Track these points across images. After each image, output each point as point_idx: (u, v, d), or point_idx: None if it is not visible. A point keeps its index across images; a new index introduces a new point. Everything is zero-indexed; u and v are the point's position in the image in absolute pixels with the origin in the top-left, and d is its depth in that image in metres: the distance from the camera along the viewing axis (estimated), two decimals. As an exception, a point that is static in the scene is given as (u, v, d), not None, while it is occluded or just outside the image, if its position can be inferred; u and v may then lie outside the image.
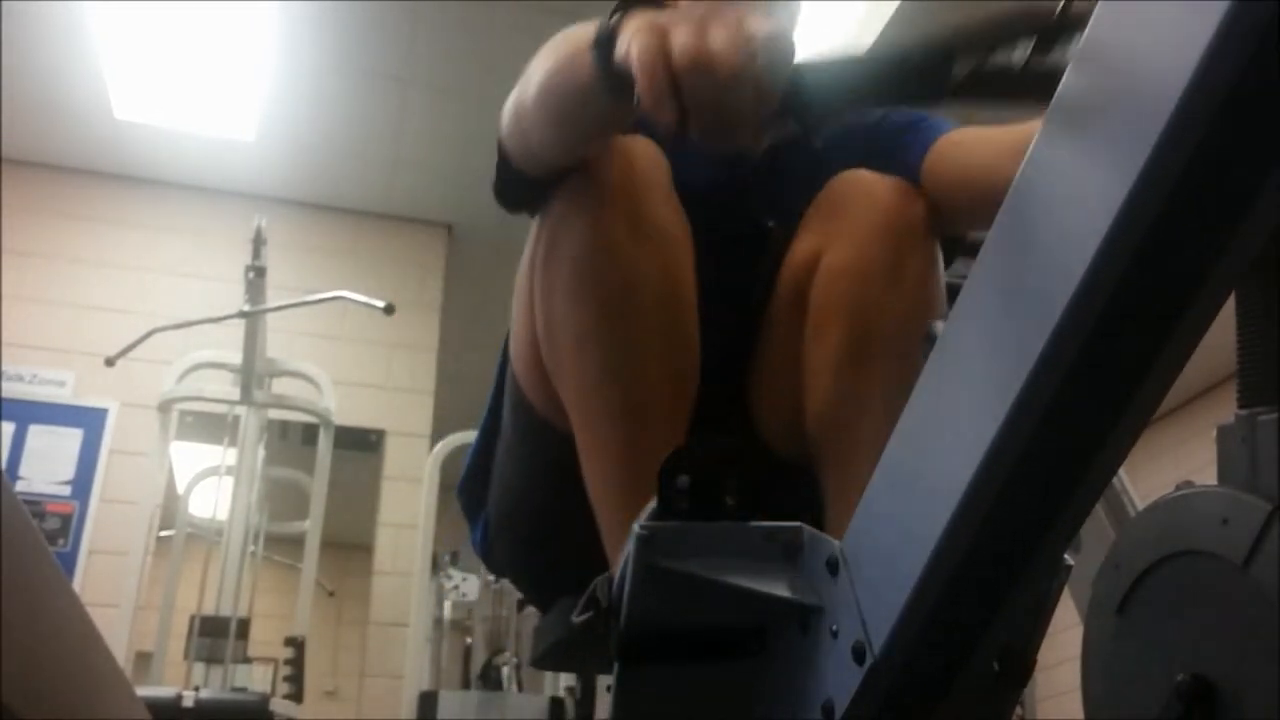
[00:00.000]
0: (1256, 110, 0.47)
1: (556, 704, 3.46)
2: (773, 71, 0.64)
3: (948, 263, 1.08)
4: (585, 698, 3.37)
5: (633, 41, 0.69)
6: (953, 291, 0.97)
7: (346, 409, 3.75)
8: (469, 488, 1.20)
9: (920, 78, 0.59)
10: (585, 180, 0.94)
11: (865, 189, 1.05)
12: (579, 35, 0.80)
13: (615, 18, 0.74)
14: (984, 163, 1.02)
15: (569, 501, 0.96)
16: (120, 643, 2.94)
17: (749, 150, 0.89)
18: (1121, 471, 1.37)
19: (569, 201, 0.95)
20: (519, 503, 1.11)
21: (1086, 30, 0.54)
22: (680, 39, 0.66)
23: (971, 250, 1.12)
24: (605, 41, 0.75)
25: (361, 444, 4.06)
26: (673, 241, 0.95)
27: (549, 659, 1.07)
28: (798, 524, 0.73)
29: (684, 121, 0.67)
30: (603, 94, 0.77)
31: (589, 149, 0.93)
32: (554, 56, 0.85)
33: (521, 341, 1.04)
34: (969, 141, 1.08)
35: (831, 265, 1.04)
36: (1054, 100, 0.56)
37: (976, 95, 0.59)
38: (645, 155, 0.96)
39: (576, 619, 0.79)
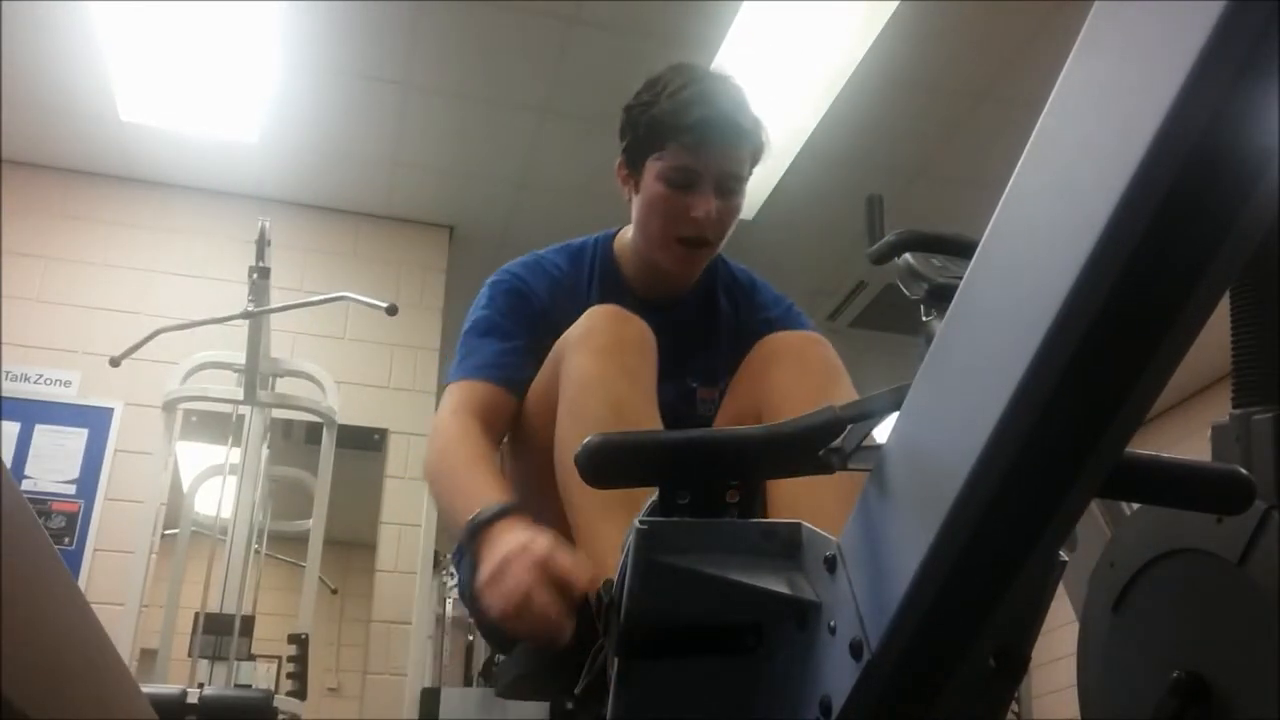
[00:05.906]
0: (1252, 110, 0.48)
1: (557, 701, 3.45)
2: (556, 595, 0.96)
3: None
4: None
5: (480, 590, 1.03)
6: (950, 292, 0.98)
7: (349, 408, 3.76)
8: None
9: None
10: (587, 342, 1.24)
11: (789, 342, 1.39)
12: (465, 489, 1.19)
13: (476, 530, 1.10)
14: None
15: None
16: (125, 640, 2.95)
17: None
18: (1120, 470, 1.37)
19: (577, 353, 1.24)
20: None
21: (1086, 22, 0.55)
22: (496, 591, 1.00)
23: (966, 250, 1.12)
24: (469, 542, 1.11)
25: (364, 443, 4.06)
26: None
27: (513, 690, 1.33)
28: (797, 521, 0.74)
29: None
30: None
31: None
32: (445, 488, 1.25)
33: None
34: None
35: (777, 389, 1.32)
36: (1053, 93, 0.57)
37: None
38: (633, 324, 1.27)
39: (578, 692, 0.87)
